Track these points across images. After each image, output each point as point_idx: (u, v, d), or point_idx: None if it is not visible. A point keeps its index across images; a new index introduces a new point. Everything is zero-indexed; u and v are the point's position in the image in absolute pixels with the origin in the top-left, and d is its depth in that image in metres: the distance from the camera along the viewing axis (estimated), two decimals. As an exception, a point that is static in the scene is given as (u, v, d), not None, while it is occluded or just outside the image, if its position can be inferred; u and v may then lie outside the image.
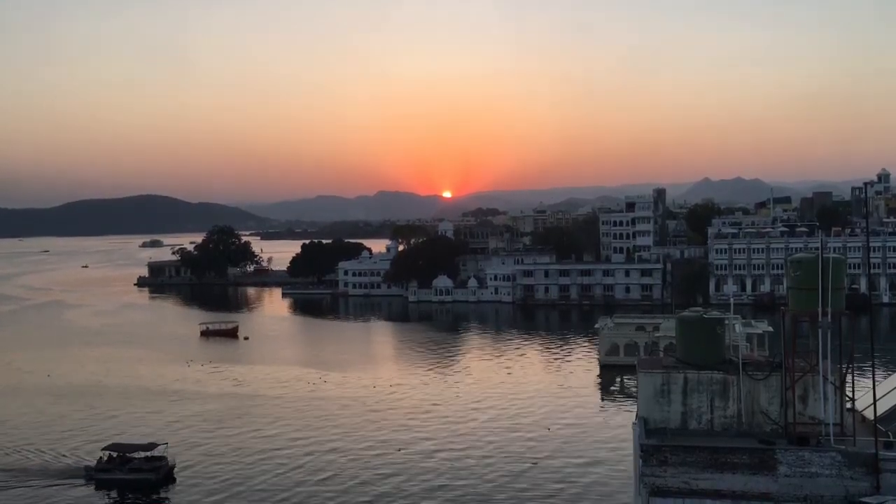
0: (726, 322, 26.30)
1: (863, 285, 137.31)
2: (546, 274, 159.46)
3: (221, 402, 75.49)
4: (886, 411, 24.36)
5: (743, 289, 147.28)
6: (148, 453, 54.21)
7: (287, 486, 51.34)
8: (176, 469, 54.01)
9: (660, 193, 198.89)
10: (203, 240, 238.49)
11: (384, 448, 58.90)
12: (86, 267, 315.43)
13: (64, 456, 58.25)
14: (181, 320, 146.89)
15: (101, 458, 54.47)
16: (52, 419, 69.89)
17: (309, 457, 57.11)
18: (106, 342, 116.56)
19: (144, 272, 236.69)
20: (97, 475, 53.03)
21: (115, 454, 54.35)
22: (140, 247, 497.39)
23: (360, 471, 53.69)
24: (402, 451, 57.90)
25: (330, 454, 57.59)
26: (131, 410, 72.73)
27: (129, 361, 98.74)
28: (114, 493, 51.18)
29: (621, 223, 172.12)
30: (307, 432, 63.76)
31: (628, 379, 78.11)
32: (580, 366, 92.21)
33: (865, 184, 59.27)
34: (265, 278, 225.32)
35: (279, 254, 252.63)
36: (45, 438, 63.16)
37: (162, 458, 53.98)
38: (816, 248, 24.12)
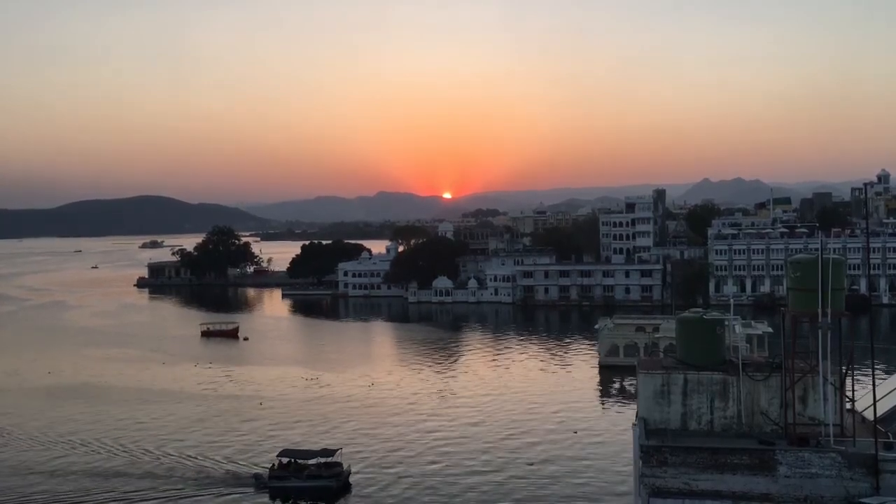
0: (726, 323, 26.34)
1: (862, 286, 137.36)
2: (546, 275, 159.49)
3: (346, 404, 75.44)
4: (886, 412, 24.40)
5: (743, 289, 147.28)
6: (324, 459, 51.61)
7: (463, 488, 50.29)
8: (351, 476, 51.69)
9: (660, 194, 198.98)
10: (203, 240, 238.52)
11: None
12: (95, 267, 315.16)
13: (219, 462, 55.88)
14: (182, 321, 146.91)
15: (273, 465, 51.96)
16: (185, 424, 67.48)
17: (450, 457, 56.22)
18: (112, 342, 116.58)
19: (144, 273, 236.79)
20: (271, 483, 50.49)
21: (288, 460, 51.78)
22: (140, 247, 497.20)
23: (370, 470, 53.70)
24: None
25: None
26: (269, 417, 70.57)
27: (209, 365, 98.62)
28: (290, 503, 49.18)
29: (621, 224, 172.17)
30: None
31: (628, 380, 78.11)
32: (580, 366, 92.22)
33: (865, 184, 59.33)
34: (265, 279, 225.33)
35: (279, 254, 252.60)
36: (186, 445, 60.77)
37: (338, 465, 51.55)
38: (816, 249, 24.15)
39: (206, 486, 51.18)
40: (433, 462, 55.71)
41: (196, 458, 56.84)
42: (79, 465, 56.52)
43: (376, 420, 67.88)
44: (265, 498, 49.81)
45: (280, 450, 53.79)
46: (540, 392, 77.86)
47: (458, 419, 67.66)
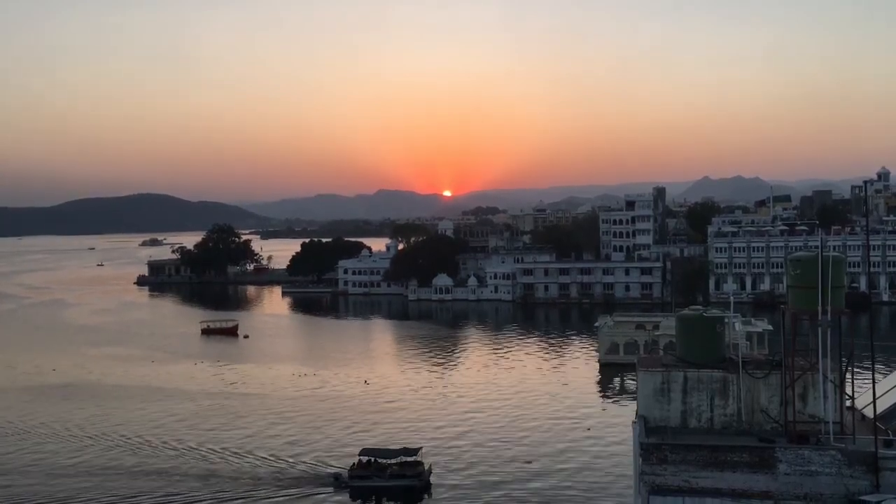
0: (726, 320, 26.30)
1: (862, 284, 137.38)
2: (546, 272, 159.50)
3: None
4: (886, 409, 24.40)
5: (743, 287, 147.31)
6: (406, 458, 51.01)
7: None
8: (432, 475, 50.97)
9: (659, 192, 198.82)
10: (203, 238, 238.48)
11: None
12: (101, 265, 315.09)
13: (287, 460, 55.28)
14: (182, 319, 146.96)
15: (353, 464, 51.41)
16: (239, 425, 66.73)
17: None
18: (113, 341, 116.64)
19: (144, 271, 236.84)
20: (352, 482, 49.91)
21: (368, 459, 51.14)
22: (140, 245, 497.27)
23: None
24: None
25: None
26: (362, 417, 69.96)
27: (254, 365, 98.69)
28: (372, 502, 48.88)
29: (621, 222, 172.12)
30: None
31: (629, 378, 78.14)
32: (580, 364, 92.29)
33: (865, 182, 59.21)
34: (265, 277, 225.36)
35: (279, 252, 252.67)
36: (253, 444, 60.05)
37: (420, 464, 50.92)
38: (816, 247, 24.16)
39: (283, 487, 50.23)
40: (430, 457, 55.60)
41: (267, 458, 55.96)
42: (152, 465, 55.60)
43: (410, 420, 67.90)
44: (345, 497, 49.11)
45: (360, 449, 53.07)
46: (539, 390, 77.86)
47: (458, 417, 67.68)
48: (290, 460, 55.60)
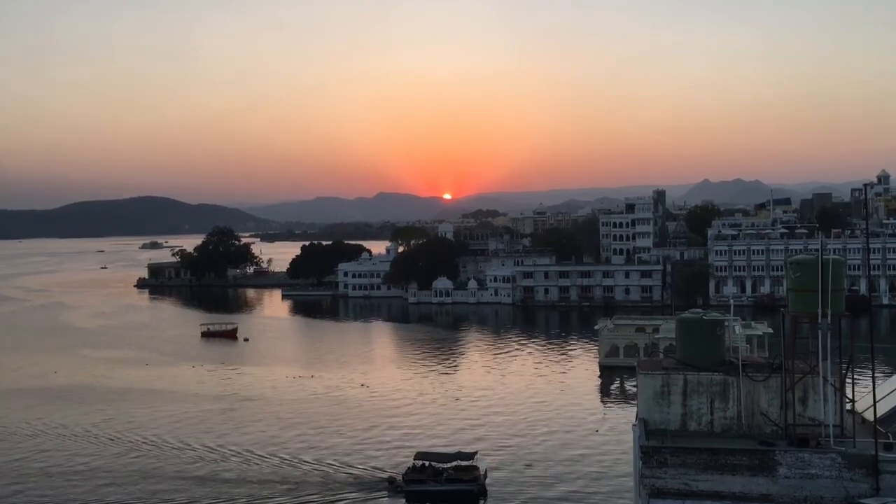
0: (726, 323, 26.28)
1: (863, 287, 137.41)
2: (546, 275, 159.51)
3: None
4: (886, 413, 24.37)
5: (743, 290, 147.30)
6: (463, 462, 50.03)
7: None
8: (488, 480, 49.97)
9: (659, 195, 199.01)
10: (203, 241, 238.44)
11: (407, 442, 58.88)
12: (105, 268, 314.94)
13: (331, 464, 54.61)
14: (182, 322, 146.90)
15: (407, 468, 50.60)
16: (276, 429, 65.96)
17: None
18: (114, 344, 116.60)
19: (144, 274, 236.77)
20: (408, 487, 49.22)
21: (422, 463, 50.25)
22: (140, 248, 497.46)
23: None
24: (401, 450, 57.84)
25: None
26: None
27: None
28: None
29: (621, 225, 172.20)
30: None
31: (628, 380, 78.08)
32: (580, 367, 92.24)
33: (865, 185, 59.38)
34: (265, 280, 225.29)
35: (279, 255, 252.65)
36: (300, 448, 59.56)
37: (476, 468, 49.84)
38: (816, 250, 24.12)
39: (335, 492, 49.56)
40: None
41: (312, 463, 55.34)
42: (204, 470, 54.87)
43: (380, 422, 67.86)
44: (400, 502, 48.61)
45: (416, 452, 52.31)
46: (539, 393, 77.80)
47: (457, 419, 67.63)
48: (337, 465, 54.71)
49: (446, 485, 48.73)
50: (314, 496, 49.00)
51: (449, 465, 49.94)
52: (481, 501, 48.42)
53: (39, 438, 64.03)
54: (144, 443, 61.97)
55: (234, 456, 57.75)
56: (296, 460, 56.16)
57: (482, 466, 50.44)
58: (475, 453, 51.95)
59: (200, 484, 51.97)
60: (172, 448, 60.29)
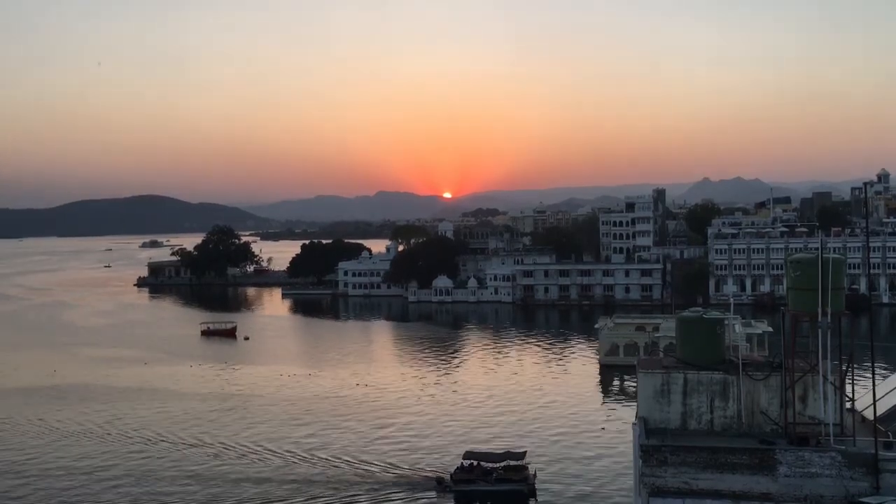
0: (726, 322, 26.30)
1: (862, 285, 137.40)
2: (546, 274, 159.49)
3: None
4: (886, 411, 24.37)
5: (743, 289, 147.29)
6: (513, 462, 49.51)
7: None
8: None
9: (659, 193, 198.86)
10: (203, 240, 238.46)
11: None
12: (108, 267, 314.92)
13: (371, 464, 54.02)
14: (182, 320, 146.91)
15: (456, 468, 49.97)
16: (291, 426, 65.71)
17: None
18: (114, 342, 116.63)
19: (144, 272, 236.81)
20: (457, 487, 48.62)
21: (470, 463, 49.65)
22: (140, 247, 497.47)
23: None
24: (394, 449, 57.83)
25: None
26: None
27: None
28: None
29: (621, 223, 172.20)
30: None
31: (628, 379, 78.06)
32: (580, 366, 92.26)
33: (865, 184, 59.34)
34: (265, 278, 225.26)
35: (279, 254, 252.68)
36: (342, 448, 58.94)
37: (525, 468, 49.51)
38: (816, 249, 24.13)
39: (381, 491, 49.10)
40: (431, 457, 55.48)
41: (355, 463, 54.75)
42: (255, 472, 54.05)
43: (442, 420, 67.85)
44: (449, 501, 48.13)
45: (464, 452, 51.74)
46: (539, 391, 77.79)
47: (457, 418, 67.63)
48: (381, 464, 54.25)
49: (496, 485, 48.24)
50: (362, 496, 48.46)
51: (499, 464, 49.46)
52: (531, 501, 47.98)
53: (39, 438, 63.96)
54: (147, 441, 61.90)
55: (274, 455, 57.34)
56: (338, 460, 55.42)
57: (531, 467, 50.08)
58: (525, 453, 51.35)
59: (240, 485, 51.34)
60: (185, 445, 60.35)
